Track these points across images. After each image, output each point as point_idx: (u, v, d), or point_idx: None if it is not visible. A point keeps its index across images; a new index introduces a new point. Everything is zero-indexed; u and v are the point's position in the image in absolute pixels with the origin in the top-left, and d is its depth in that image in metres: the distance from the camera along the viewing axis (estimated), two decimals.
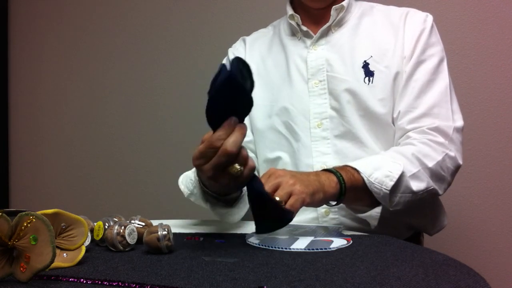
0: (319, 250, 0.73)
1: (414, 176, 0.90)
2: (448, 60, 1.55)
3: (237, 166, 0.71)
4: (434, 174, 0.94)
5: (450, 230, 1.59)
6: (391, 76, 1.02)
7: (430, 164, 0.93)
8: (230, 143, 0.69)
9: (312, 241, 0.78)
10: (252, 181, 0.75)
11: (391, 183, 0.87)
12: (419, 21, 1.05)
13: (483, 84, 1.57)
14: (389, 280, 0.57)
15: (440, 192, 0.97)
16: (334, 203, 0.88)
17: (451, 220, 1.56)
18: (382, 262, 0.66)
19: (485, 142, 1.57)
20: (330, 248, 0.74)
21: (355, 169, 0.88)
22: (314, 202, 0.81)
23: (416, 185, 0.90)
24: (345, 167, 0.89)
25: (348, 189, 0.85)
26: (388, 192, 0.87)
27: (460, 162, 1.00)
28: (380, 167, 0.88)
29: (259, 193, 0.76)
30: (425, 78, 1.01)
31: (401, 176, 0.88)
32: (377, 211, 0.89)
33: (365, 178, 0.87)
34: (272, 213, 0.77)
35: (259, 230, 0.79)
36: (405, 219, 1.03)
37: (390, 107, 1.02)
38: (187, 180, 0.93)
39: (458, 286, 0.55)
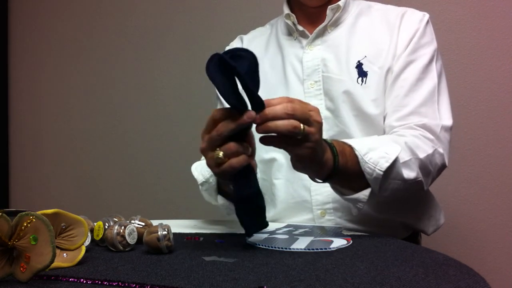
0: (319, 250, 0.73)
1: (406, 164, 0.88)
2: (448, 60, 1.57)
3: (220, 153, 0.71)
4: (423, 167, 0.92)
5: (450, 230, 1.59)
6: (384, 76, 1.02)
7: (421, 155, 0.91)
8: (224, 123, 0.70)
9: (312, 241, 0.78)
10: (239, 181, 0.75)
11: (386, 165, 0.83)
12: (415, 20, 1.05)
13: (483, 84, 1.58)
14: (389, 280, 0.57)
15: (425, 187, 0.95)
16: (320, 180, 0.84)
17: (451, 220, 1.56)
18: (382, 262, 0.66)
19: (485, 142, 1.57)
20: (330, 248, 0.74)
21: (350, 146, 0.85)
22: (316, 156, 0.76)
23: (407, 173, 0.88)
24: (339, 142, 0.85)
25: (341, 166, 0.81)
26: (381, 173, 0.83)
27: (447, 162, 0.98)
28: (376, 148, 0.85)
29: (242, 197, 0.75)
30: (414, 77, 1.01)
31: (394, 162, 0.85)
32: (365, 193, 0.85)
33: (359, 157, 0.83)
34: (254, 215, 0.77)
35: (248, 232, 0.78)
36: (400, 218, 1.02)
37: (383, 108, 1.02)
38: (203, 168, 0.93)
39: (458, 286, 0.55)
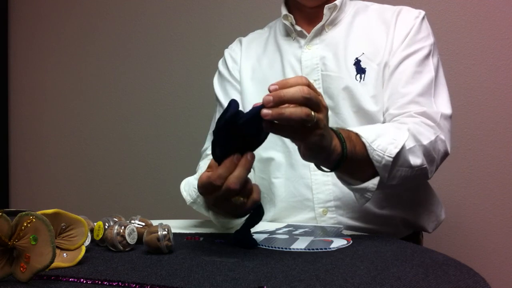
0: (319, 250, 0.73)
1: (411, 150, 0.86)
2: (448, 60, 1.57)
3: (240, 198, 0.71)
4: (427, 153, 0.90)
5: (450, 230, 1.59)
6: (381, 71, 1.02)
7: (425, 142, 0.90)
8: (232, 179, 0.68)
9: (312, 241, 0.78)
10: (256, 211, 0.76)
11: (396, 151, 0.81)
12: (411, 17, 1.05)
13: (483, 84, 1.58)
14: (389, 280, 0.57)
15: (429, 175, 0.93)
16: (327, 170, 0.81)
17: (451, 220, 1.56)
18: (382, 262, 0.66)
19: (485, 142, 1.57)
20: (330, 248, 0.74)
21: (355, 133, 0.83)
22: (323, 144, 0.73)
23: (414, 160, 0.86)
24: (344, 129, 0.83)
25: (349, 152, 0.78)
26: (391, 160, 0.81)
27: (449, 149, 0.97)
28: (383, 134, 0.84)
29: (253, 222, 0.77)
30: (411, 70, 1.01)
31: (401, 149, 0.83)
32: (374, 182, 0.83)
33: (366, 144, 0.81)
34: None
35: (238, 244, 0.78)
36: (401, 214, 1.02)
37: (382, 104, 1.02)
38: (190, 187, 0.93)
39: (458, 286, 0.55)
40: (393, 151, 0.82)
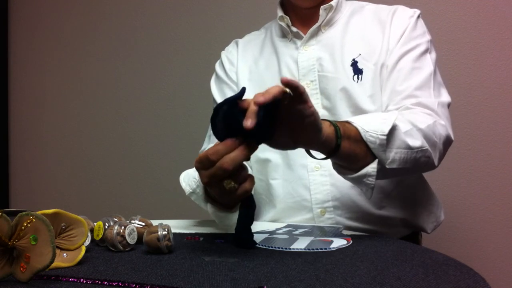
0: (319, 250, 0.73)
1: (408, 133, 0.86)
2: (448, 60, 1.57)
3: (231, 182, 0.71)
4: (427, 137, 0.89)
5: (450, 230, 1.59)
6: (379, 71, 1.02)
7: (422, 126, 0.89)
8: (227, 159, 0.68)
9: (312, 241, 0.78)
10: (246, 203, 0.76)
11: (388, 127, 0.81)
12: (406, 16, 1.06)
13: (483, 83, 1.58)
14: (389, 280, 0.57)
15: (435, 159, 0.92)
16: (322, 156, 0.80)
17: (451, 220, 1.56)
18: (382, 262, 0.66)
19: (485, 142, 1.57)
20: (330, 248, 0.74)
21: (346, 121, 0.83)
22: (314, 121, 0.73)
23: (412, 142, 0.86)
24: (333, 120, 0.82)
25: (343, 137, 0.78)
26: (385, 137, 0.81)
27: (451, 134, 0.97)
28: (373, 118, 0.84)
29: (248, 218, 0.76)
30: (408, 67, 1.01)
31: (396, 130, 0.83)
32: (372, 166, 0.82)
33: (359, 128, 0.81)
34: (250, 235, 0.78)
35: (237, 244, 0.78)
36: (400, 215, 1.02)
37: (379, 104, 1.02)
38: (190, 178, 0.93)
39: (458, 286, 0.55)
40: (386, 129, 0.81)
